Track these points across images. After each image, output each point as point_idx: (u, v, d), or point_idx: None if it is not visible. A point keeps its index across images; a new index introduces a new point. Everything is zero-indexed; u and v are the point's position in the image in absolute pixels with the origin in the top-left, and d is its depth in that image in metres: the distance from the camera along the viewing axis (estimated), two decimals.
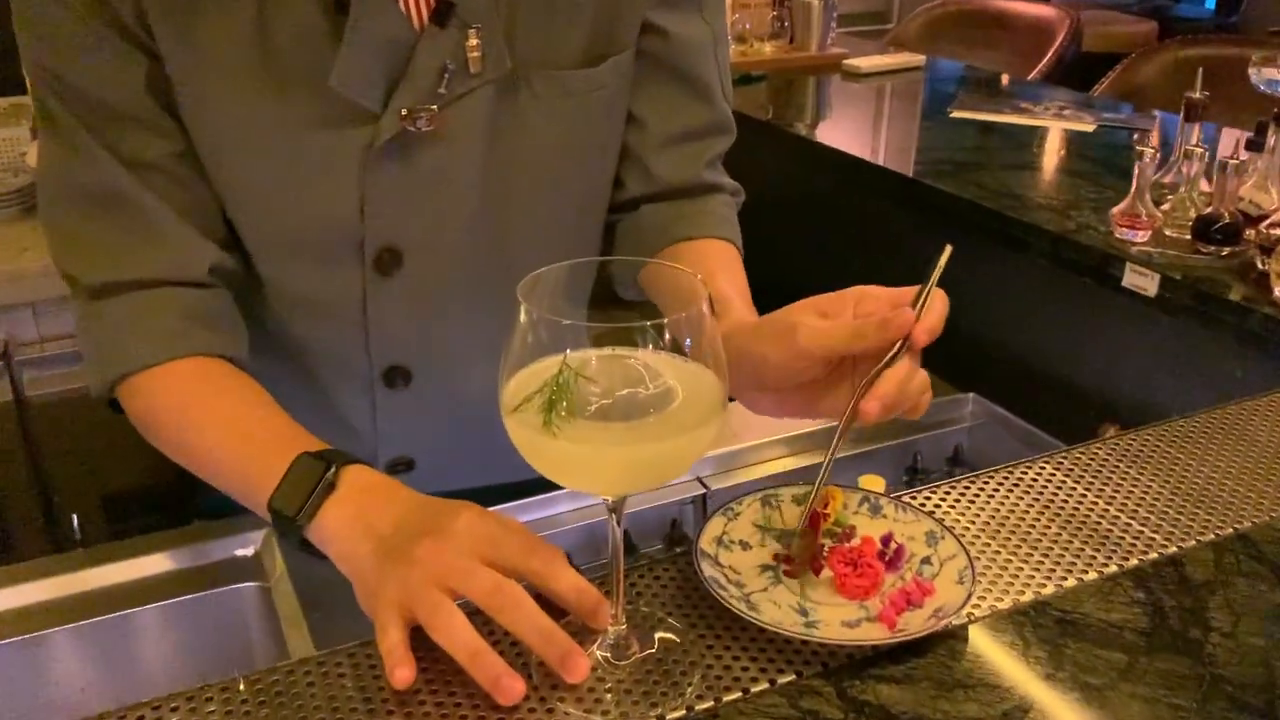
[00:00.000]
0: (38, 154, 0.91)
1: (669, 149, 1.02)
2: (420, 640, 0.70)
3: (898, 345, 0.74)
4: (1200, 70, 1.50)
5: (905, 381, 0.74)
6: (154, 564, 1.06)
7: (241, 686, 0.71)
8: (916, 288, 0.75)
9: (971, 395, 1.47)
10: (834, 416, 0.76)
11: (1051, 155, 1.96)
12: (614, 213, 1.06)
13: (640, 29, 0.97)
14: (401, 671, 0.68)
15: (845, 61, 2.63)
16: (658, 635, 0.74)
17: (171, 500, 1.13)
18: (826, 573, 0.77)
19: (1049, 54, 2.79)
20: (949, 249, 0.76)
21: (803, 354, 0.76)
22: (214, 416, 0.88)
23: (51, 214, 0.91)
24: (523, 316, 0.62)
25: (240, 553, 1.08)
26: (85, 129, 0.86)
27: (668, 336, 0.62)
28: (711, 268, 0.97)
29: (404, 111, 0.88)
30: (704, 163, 1.04)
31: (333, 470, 0.78)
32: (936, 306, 0.75)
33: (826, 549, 0.79)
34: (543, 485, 0.79)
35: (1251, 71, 1.66)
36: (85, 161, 0.87)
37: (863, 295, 0.77)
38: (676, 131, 1.02)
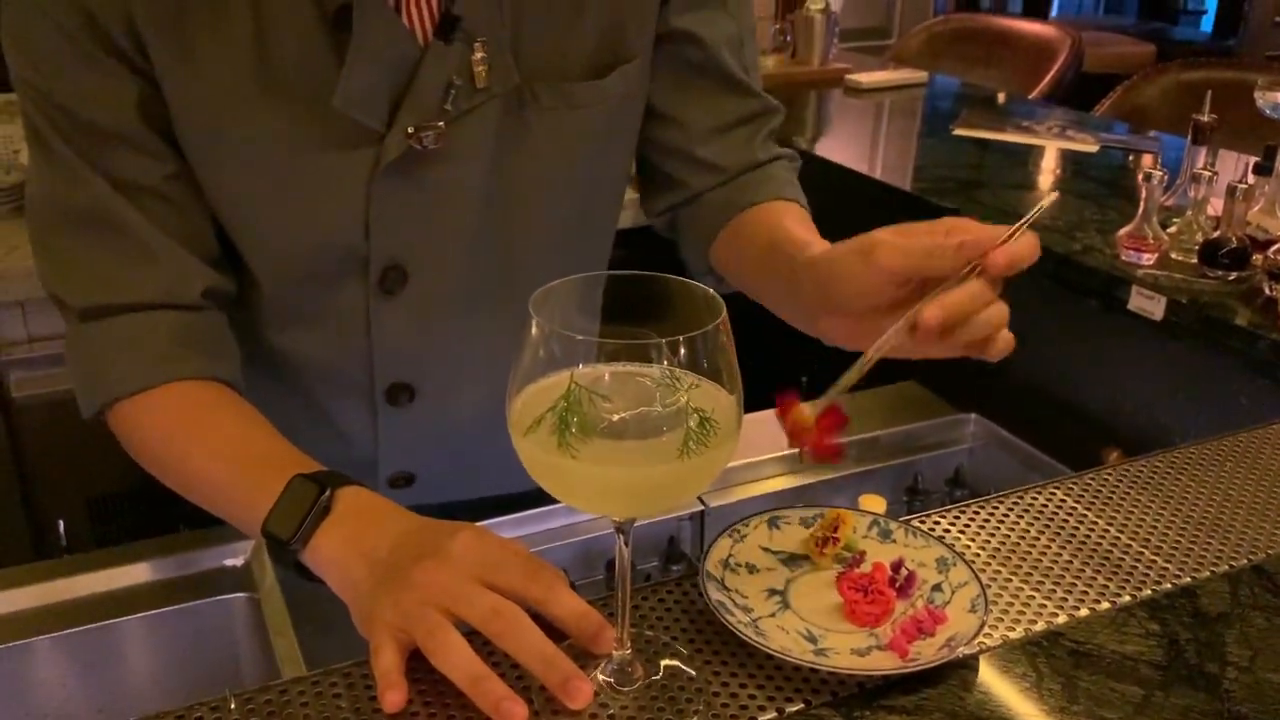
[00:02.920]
0: (27, 174, 0.88)
1: (717, 139, 1.02)
2: (418, 660, 0.68)
3: (970, 265, 0.70)
4: (1209, 93, 1.49)
5: (976, 298, 0.70)
6: (141, 573, 1.04)
7: (233, 705, 0.68)
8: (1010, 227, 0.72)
9: (973, 416, 1.45)
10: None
11: (1055, 175, 1.95)
12: (678, 208, 1.06)
13: (671, 37, 0.96)
14: (393, 695, 0.66)
15: (848, 76, 2.62)
16: (663, 661, 0.72)
17: (160, 504, 1.12)
18: (836, 599, 0.75)
19: (1050, 74, 2.78)
20: (1055, 195, 0.73)
21: (879, 269, 0.73)
22: (205, 441, 0.85)
23: (40, 235, 0.89)
24: (534, 330, 0.60)
25: (230, 563, 1.06)
26: (74, 150, 0.84)
27: (683, 353, 0.59)
28: (779, 218, 0.96)
29: (410, 129, 0.86)
30: (757, 143, 1.04)
31: (327, 493, 0.76)
32: (1026, 240, 0.72)
33: (837, 575, 0.77)
34: (540, 497, 0.78)
35: (1257, 96, 1.65)
36: (74, 183, 0.84)
37: (953, 226, 0.74)
38: (722, 124, 1.02)
